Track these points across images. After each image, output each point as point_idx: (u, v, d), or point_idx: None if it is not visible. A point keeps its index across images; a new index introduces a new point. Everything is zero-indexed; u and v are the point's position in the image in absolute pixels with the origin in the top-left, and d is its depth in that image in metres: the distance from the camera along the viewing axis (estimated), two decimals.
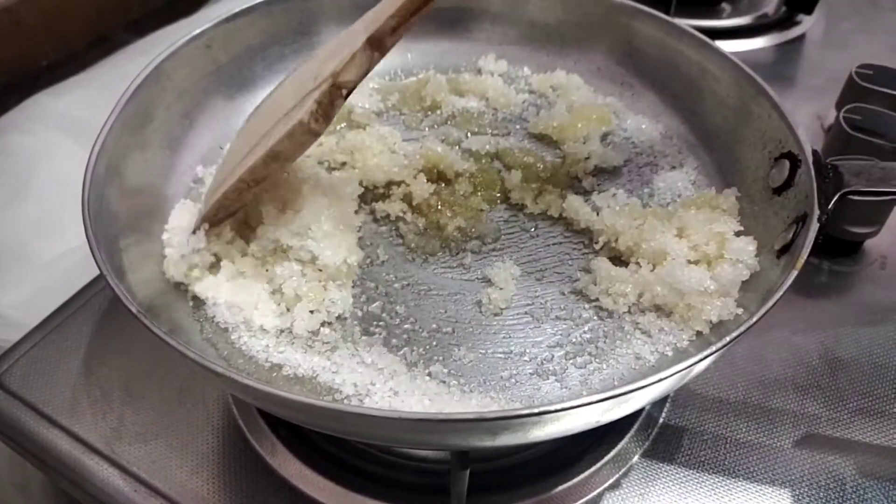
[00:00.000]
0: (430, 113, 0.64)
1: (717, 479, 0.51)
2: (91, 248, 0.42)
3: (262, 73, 0.63)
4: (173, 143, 0.56)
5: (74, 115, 0.75)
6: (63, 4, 0.84)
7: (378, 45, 0.45)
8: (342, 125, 0.62)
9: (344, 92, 0.44)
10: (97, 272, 0.41)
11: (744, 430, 0.53)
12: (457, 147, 0.61)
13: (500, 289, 0.51)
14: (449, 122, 0.63)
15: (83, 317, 0.59)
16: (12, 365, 0.56)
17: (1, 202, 0.69)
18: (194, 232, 0.49)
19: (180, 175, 0.56)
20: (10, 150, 0.72)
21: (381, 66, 0.66)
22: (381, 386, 0.45)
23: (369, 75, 0.65)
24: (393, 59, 0.67)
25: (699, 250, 0.50)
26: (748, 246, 0.49)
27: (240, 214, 0.51)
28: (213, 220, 0.49)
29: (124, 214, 0.49)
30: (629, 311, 0.49)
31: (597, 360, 0.47)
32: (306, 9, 0.63)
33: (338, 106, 0.45)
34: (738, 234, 0.51)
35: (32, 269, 0.66)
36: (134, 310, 0.39)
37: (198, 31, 0.57)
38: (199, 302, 0.49)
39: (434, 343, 0.48)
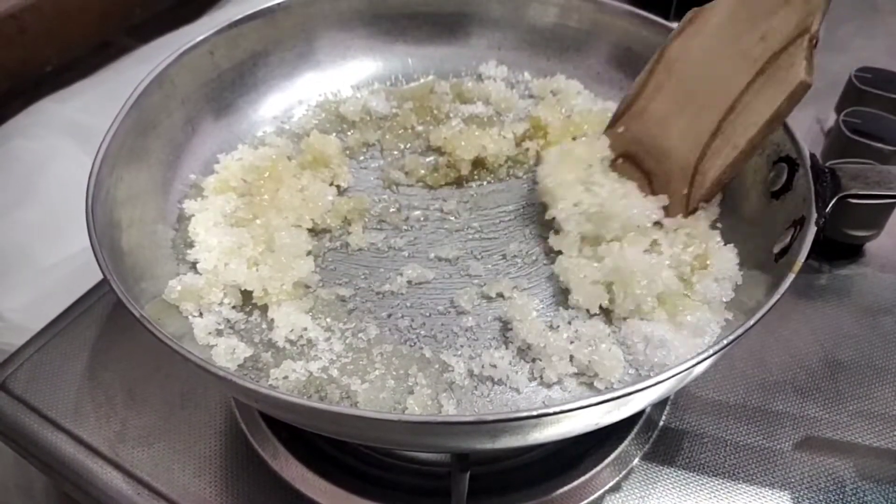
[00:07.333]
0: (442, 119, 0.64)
1: (717, 482, 0.51)
2: (94, 253, 0.42)
3: (264, 78, 0.63)
4: (176, 148, 0.56)
5: (78, 121, 0.75)
6: (67, 11, 0.84)
7: None
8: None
9: (816, 42, 0.46)
10: (100, 277, 0.41)
11: (744, 432, 0.53)
12: None
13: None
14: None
15: (86, 321, 0.60)
16: (16, 369, 0.56)
17: (5, 207, 0.69)
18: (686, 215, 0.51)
19: (182, 180, 0.56)
20: (15, 156, 0.73)
21: (381, 71, 0.68)
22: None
23: (371, 80, 0.67)
24: (393, 64, 0.68)
25: (681, 261, 0.50)
26: (731, 255, 0.49)
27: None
28: (709, 197, 0.51)
29: (127, 219, 0.49)
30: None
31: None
32: (308, 15, 0.64)
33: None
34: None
35: (36, 273, 0.66)
36: (137, 314, 0.39)
37: (201, 37, 0.57)
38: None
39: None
